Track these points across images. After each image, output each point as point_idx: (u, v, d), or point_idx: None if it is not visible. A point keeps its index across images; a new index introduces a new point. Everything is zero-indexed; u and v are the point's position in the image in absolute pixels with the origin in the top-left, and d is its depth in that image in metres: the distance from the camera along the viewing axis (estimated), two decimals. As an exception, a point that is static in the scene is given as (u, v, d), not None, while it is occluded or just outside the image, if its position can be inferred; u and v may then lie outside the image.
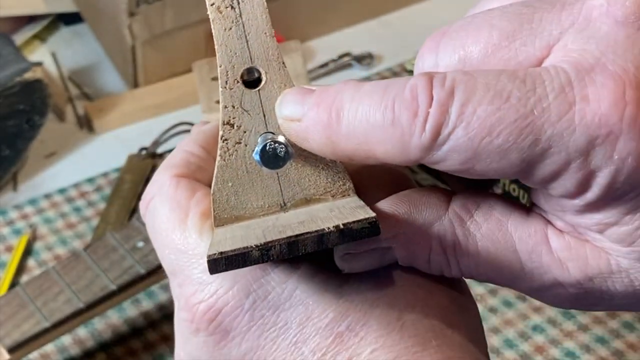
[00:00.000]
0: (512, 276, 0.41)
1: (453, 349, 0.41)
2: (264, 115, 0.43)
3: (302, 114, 0.41)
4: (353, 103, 0.39)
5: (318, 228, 0.39)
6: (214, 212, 0.44)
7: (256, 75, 0.43)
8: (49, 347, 0.77)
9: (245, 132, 0.43)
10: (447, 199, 0.42)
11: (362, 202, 0.42)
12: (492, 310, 0.80)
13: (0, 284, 0.83)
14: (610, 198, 0.37)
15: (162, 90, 1.03)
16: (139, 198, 0.90)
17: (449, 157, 0.37)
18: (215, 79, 0.76)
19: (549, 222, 0.40)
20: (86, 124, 1.01)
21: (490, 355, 0.77)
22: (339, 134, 0.39)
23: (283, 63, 0.43)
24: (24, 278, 0.84)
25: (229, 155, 0.43)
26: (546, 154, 0.36)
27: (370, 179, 0.46)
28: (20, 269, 0.85)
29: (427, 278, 0.43)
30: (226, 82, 0.43)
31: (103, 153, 0.98)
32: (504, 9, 0.40)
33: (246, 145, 0.43)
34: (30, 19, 1.12)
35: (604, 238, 0.39)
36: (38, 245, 0.87)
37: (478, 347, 0.43)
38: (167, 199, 0.47)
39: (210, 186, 0.47)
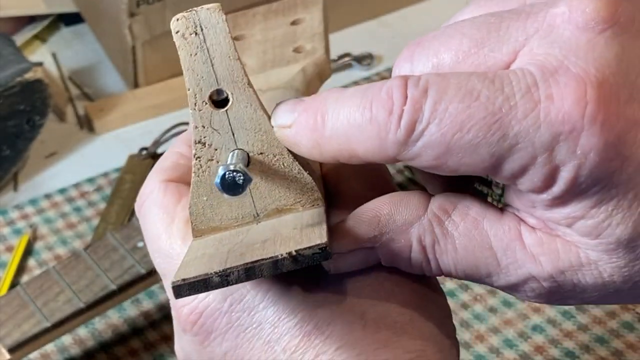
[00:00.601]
0: (488, 272, 0.43)
1: (415, 344, 0.44)
2: (233, 134, 0.45)
3: (292, 120, 0.44)
4: (336, 106, 0.42)
5: (273, 255, 0.42)
6: (192, 224, 0.46)
7: (223, 95, 0.45)
8: (50, 347, 0.77)
9: (216, 149, 0.45)
10: (426, 200, 0.44)
11: (323, 218, 0.45)
12: (492, 310, 0.80)
13: (1, 284, 0.83)
14: (575, 192, 0.39)
15: (163, 90, 1.03)
16: (139, 198, 0.90)
17: (423, 152, 0.40)
18: (236, 38, 0.76)
19: (521, 220, 0.43)
20: (86, 124, 1.01)
21: (490, 355, 0.77)
22: (323, 136, 0.42)
23: (248, 83, 0.45)
24: (25, 278, 0.84)
25: (202, 172, 0.46)
26: (513, 149, 0.39)
27: (348, 174, 0.49)
28: (21, 269, 0.85)
29: (391, 273, 0.45)
30: (195, 103, 0.45)
31: (103, 153, 0.98)
32: (474, 20, 0.42)
33: (217, 162, 0.46)
34: (31, 20, 1.12)
35: (572, 232, 0.41)
36: (38, 245, 0.88)
37: (444, 336, 0.45)
38: (156, 204, 0.50)
39: None
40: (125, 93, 1.04)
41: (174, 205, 0.49)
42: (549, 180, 0.39)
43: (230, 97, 0.45)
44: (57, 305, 0.71)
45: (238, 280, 0.42)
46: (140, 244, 0.75)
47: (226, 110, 0.45)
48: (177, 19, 0.46)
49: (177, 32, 0.47)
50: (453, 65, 0.42)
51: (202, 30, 0.46)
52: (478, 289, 0.82)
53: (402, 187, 0.91)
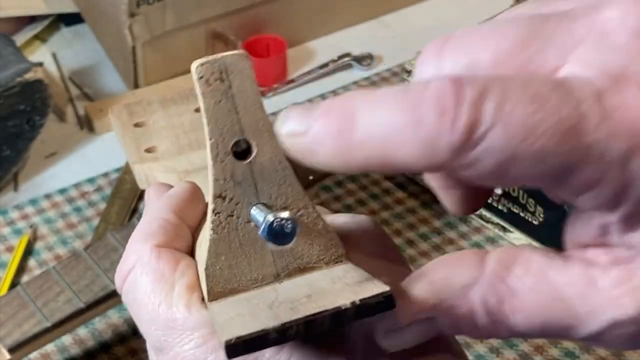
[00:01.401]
0: (566, 326, 0.39)
1: None
2: (256, 187, 0.43)
3: (307, 126, 0.38)
4: (367, 107, 0.37)
5: (333, 305, 0.39)
6: (208, 286, 0.43)
7: (244, 145, 0.43)
8: (50, 347, 0.77)
9: (237, 204, 0.43)
10: (481, 257, 0.40)
11: (362, 271, 0.42)
12: (492, 310, 0.80)
13: (1, 284, 0.83)
14: None
15: (163, 90, 1.03)
16: (139, 198, 0.90)
17: (483, 159, 0.35)
18: (138, 125, 0.75)
19: (591, 261, 0.39)
20: (87, 124, 1.01)
21: (490, 355, 0.77)
22: (352, 140, 0.37)
23: (273, 133, 0.42)
24: (25, 278, 0.84)
25: (222, 229, 0.43)
26: (586, 159, 0.35)
27: (351, 241, 0.46)
28: (21, 269, 0.85)
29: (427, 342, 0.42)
30: (217, 155, 0.42)
31: (103, 153, 0.98)
32: (513, 19, 0.39)
33: (238, 218, 0.43)
34: (31, 20, 1.13)
35: None
36: (38, 245, 0.88)
37: None
38: (150, 270, 0.46)
39: (189, 254, 0.47)
40: (125, 93, 1.04)
41: (172, 271, 0.45)
42: (621, 195, 0.36)
43: (254, 147, 0.42)
44: (57, 305, 0.71)
45: (297, 335, 0.39)
46: (140, 244, 0.75)
47: (249, 162, 0.42)
48: (202, 64, 0.42)
49: (200, 78, 0.42)
50: (490, 66, 0.37)
51: (227, 76, 0.42)
52: (478, 289, 0.82)
53: (402, 187, 0.92)
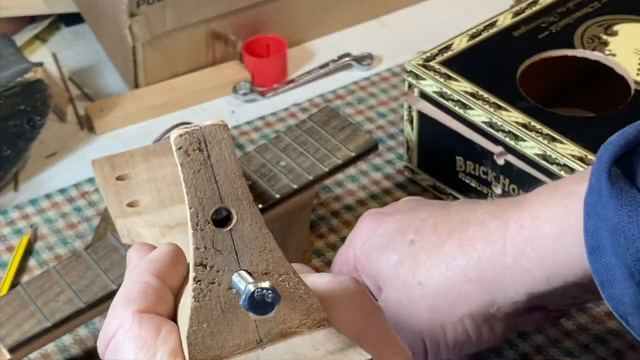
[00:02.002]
0: None
1: None
2: (236, 254, 0.43)
3: None
4: None
5: None
6: (190, 354, 0.43)
7: (224, 213, 0.43)
8: (50, 347, 0.77)
9: (218, 271, 0.43)
10: None
11: (344, 337, 0.43)
12: (492, 310, 0.80)
13: (1, 284, 0.83)
14: None
15: (163, 90, 1.03)
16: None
17: None
18: (120, 178, 0.75)
19: None
20: (87, 124, 1.01)
21: (490, 355, 0.77)
22: None
23: (253, 200, 0.43)
24: (25, 278, 0.84)
25: (203, 296, 0.43)
26: None
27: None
28: (21, 269, 0.85)
29: None
30: (197, 223, 0.43)
31: (104, 153, 0.97)
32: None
33: (219, 285, 0.43)
34: (31, 20, 1.12)
35: None
36: (39, 245, 0.88)
37: None
38: (132, 337, 0.46)
39: (172, 317, 0.47)
40: (125, 93, 1.04)
41: (154, 338, 0.45)
42: None
43: (234, 215, 0.43)
44: (57, 305, 0.71)
45: None
46: (140, 244, 0.75)
47: (230, 230, 0.43)
48: (180, 135, 0.42)
49: (179, 149, 0.42)
50: None
51: (206, 146, 0.43)
52: (478, 289, 0.82)
53: (402, 187, 0.92)
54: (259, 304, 0.41)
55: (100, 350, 0.48)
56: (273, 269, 0.43)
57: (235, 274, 0.43)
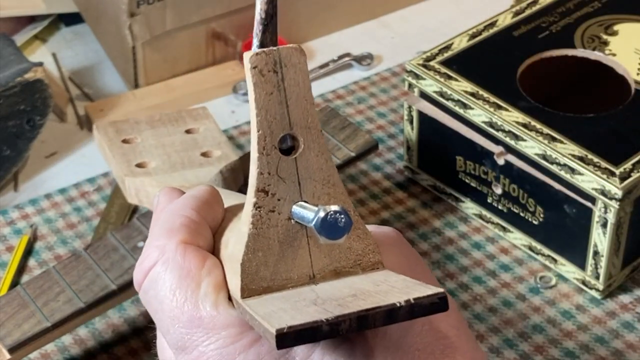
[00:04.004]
0: None
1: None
2: (299, 184, 0.42)
3: None
4: None
5: (387, 302, 0.38)
6: (242, 282, 0.42)
7: (289, 143, 0.42)
8: (50, 347, 0.77)
9: (279, 200, 0.42)
10: None
11: (404, 276, 0.41)
12: (492, 310, 0.80)
13: (1, 284, 0.83)
14: None
15: (163, 90, 1.03)
16: (139, 198, 0.90)
17: None
18: (125, 141, 0.74)
19: None
20: (87, 124, 1.01)
21: (490, 355, 0.77)
22: None
23: (321, 130, 0.42)
24: (25, 278, 0.84)
25: (262, 224, 0.42)
26: None
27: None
28: (21, 268, 0.85)
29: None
30: (264, 147, 0.41)
31: (103, 153, 0.98)
32: None
33: (279, 214, 0.42)
34: (31, 20, 1.12)
35: None
36: (39, 245, 0.88)
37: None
38: (176, 267, 0.45)
39: (213, 253, 0.46)
40: (125, 93, 1.04)
41: (198, 268, 0.44)
42: None
43: (301, 143, 0.41)
44: (57, 305, 0.71)
45: (349, 330, 0.38)
46: (140, 244, 0.75)
47: (295, 158, 0.41)
48: (257, 54, 0.41)
49: (254, 68, 0.41)
50: None
51: (281, 68, 0.41)
52: (478, 289, 0.82)
53: (402, 186, 0.92)
54: (331, 226, 0.39)
55: (137, 280, 0.46)
56: (334, 204, 0.42)
57: (296, 205, 0.42)
